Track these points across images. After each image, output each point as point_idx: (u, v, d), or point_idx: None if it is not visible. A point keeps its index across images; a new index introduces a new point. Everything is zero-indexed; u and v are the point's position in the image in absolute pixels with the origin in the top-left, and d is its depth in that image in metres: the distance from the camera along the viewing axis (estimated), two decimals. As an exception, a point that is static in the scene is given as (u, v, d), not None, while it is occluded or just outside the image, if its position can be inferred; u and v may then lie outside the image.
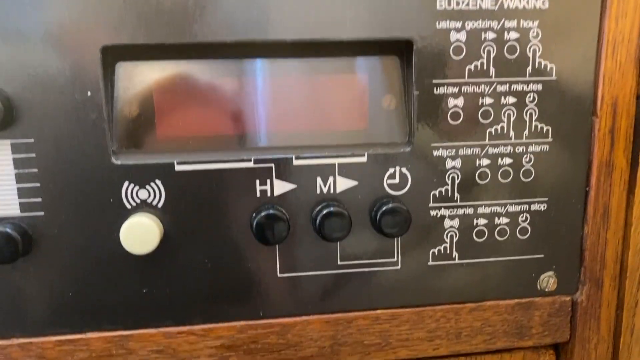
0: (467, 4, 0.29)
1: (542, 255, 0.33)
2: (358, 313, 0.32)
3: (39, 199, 0.28)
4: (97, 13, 0.27)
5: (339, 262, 0.31)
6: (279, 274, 0.31)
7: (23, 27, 0.27)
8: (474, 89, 0.30)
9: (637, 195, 0.33)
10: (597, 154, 0.32)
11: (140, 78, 0.29)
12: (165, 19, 0.27)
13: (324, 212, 0.29)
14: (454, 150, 0.31)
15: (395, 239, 0.31)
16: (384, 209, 0.30)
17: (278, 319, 0.31)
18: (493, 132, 0.31)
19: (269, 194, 0.30)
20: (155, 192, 0.29)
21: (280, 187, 0.30)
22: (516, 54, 0.30)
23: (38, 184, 0.28)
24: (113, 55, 0.28)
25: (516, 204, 0.32)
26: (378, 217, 0.30)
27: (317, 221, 0.30)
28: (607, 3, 0.30)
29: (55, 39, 0.27)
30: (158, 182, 0.29)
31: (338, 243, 0.31)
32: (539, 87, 0.31)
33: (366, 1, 0.28)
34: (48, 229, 0.29)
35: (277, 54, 0.30)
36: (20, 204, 0.28)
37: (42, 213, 0.28)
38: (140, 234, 0.28)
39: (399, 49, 0.31)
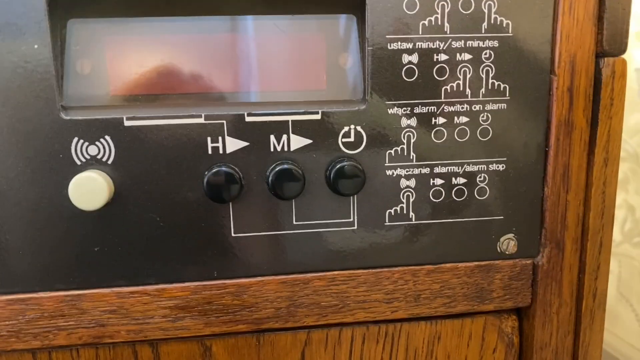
0: (420, -43, 0.29)
1: (501, 217, 0.33)
2: (314, 274, 0.32)
3: (-13, 155, 0.28)
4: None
5: (294, 222, 0.31)
6: (233, 234, 0.31)
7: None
8: (428, 45, 0.30)
9: (597, 156, 0.32)
10: (555, 113, 0.31)
11: (92, 35, 0.29)
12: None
13: (277, 169, 0.29)
14: (409, 109, 0.30)
15: (351, 199, 0.31)
16: (337, 167, 0.30)
17: (233, 279, 0.31)
18: (449, 90, 0.31)
19: (220, 151, 0.30)
20: (105, 148, 0.29)
21: (233, 144, 0.30)
22: (471, 9, 0.30)
23: (-15, 139, 0.28)
24: (63, 10, 0.28)
25: (473, 163, 0.32)
26: (332, 175, 0.30)
27: (271, 179, 0.29)
28: (564, -42, 0.30)
29: (1, -8, 0.27)
30: (107, 138, 0.29)
31: (293, 203, 0.31)
32: (495, 43, 0.30)
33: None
34: (-4, 185, 0.28)
35: (233, 10, 0.30)
36: (-34, 158, 0.28)
37: (-13, 168, 0.28)
38: (88, 189, 0.28)
39: (354, 6, 0.30)
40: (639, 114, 0.60)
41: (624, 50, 0.32)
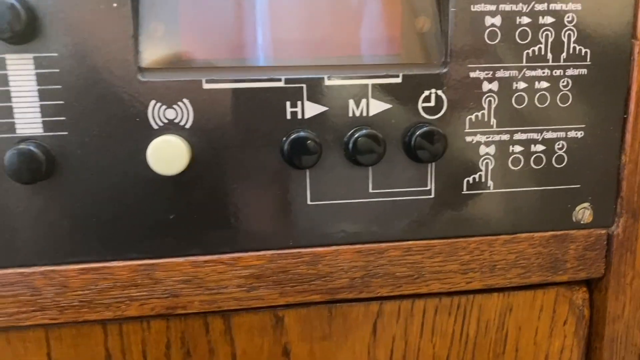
0: None
1: (578, 186, 0.32)
2: (390, 244, 0.31)
3: (63, 118, 0.27)
4: None
5: (370, 190, 0.30)
6: (309, 202, 0.30)
7: None
8: (511, 7, 0.29)
9: (676, 123, 0.32)
10: (636, 79, 0.31)
11: (166, -6, 0.28)
12: None
13: (357, 135, 0.28)
14: (490, 72, 0.30)
15: (429, 167, 0.30)
16: (419, 132, 0.29)
17: (308, 248, 0.30)
18: (530, 54, 0.30)
19: (299, 115, 0.29)
20: (183, 111, 0.28)
21: (312, 109, 0.29)
22: (556, -29, 0.29)
23: (62, 102, 0.27)
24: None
25: (553, 130, 0.31)
26: (413, 141, 0.29)
27: (350, 145, 0.29)
28: None
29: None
30: (186, 101, 0.28)
31: (370, 170, 0.30)
32: (578, 6, 0.30)
33: None
34: (72, 149, 0.27)
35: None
36: (44, 122, 0.27)
37: (65, 133, 0.27)
38: (168, 153, 0.27)
39: (432, -31, 0.30)
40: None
41: None
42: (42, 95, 0.27)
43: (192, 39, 0.29)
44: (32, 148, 0.27)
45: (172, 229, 0.29)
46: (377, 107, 0.29)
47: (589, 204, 0.32)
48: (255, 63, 0.29)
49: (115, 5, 0.27)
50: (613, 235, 0.33)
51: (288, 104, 0.29)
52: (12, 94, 0.27)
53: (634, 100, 0.31)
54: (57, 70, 0.27)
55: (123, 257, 0.29)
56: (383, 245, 0.31)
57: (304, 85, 0.29)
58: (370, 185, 0.30)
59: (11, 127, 0.27)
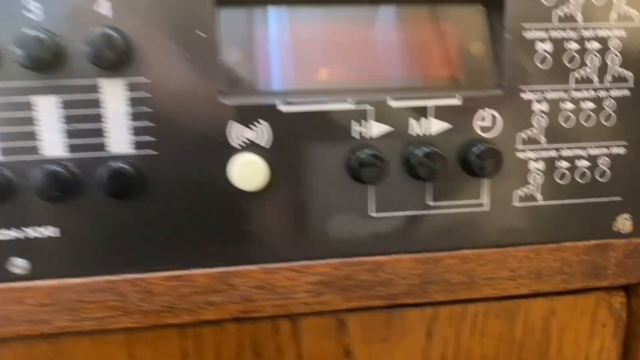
0: (559, -49, 0.30)
1: (619, 198, 0.34)
2: (446, 253, 0.33)
3: (152, 138, 0.30)
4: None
5: (429, 203, 0.33)
6: (372, 213, 0.32)
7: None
8: (561, 34, 0.32)
9: None
10: (674, 99, 0.33)
11: (245, 22, 0.31)
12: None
13: (421, 152, 0.31)
14: (541, 94, 0.32)
15: (483, 181, 0.33)
16: (476, 149, 0.31)
17: (371, 257, 0.33)
18: (578, 77, 0.32)
19: (365, 135, 0.31)
20: (260, 131, 0.30)
21: (377, 128, 0.31)
22: (603, 0, 0.31)
23: (152, 124, 0.29)
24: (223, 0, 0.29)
25: (597, 147, 0.33)
26: (471, 158, 0.31)
27: (413, 161, 0.31)
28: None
29: (170, -18, 0.28)
30: (263, 122, 0.30)
31: (429, 184, 0.32)
32: (622, 33, 0.32)
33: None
34: (160, 167, 0.30)
35: (376, 1, 0.31)
36: (135, 142, 0.30)
37: (154, 151, 0.30)
38: (250, 170, 0.30)
39: (486, -3, 0.32)
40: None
41: None
42: (134, 117, 0.29)
43: (268, 65, 0.31)
44: (123, 166, 0.29)
45: (247, 239, 0.32)
46: (437, 126, 0.32)
47: (629, 214, 0.35)
48: (326, 86, 0.32)
49: (201, 34, 0.29)
50: (651, 244, 0.35)
51: (356, 123, 0.31)
52: (105, 116, 0.29)
53: (672, 119, 0.33)
54: (148, 95, 0.29)
55: (203, 265, 0.32)
56: (440, 254, 0.33)
57: (371, 107, 0.31)
58: (429, 198, 0.33)
59: (102, 146, 0.29)
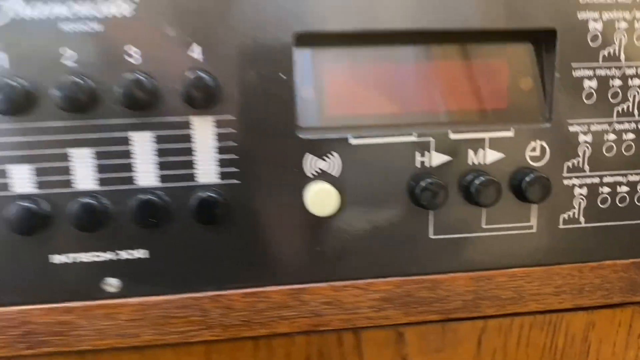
0: (606, -2, 0.33)
1: (655, 220, 0.37)
2: (497, 271, 0.36)
3: (236, 169, 0.32)
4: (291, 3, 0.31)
5: (483, 226, 0.36)
6: (431, 236, 0.35)
7: (230, 18, 0.31)
8: (606, 72, 0.34)
9: None
10: None
11: (318, 62, 0.33)
12: (343, 12, 0.32)
13: (479, 181, 0.34)
14: (586, 127, 0.35)
15: (532, 206, 0.36)
16: (528, 178, 0.34)
17: (429, 275, 0.36)
18: (620, 111, 0.35)
19: (427, 164, 0.34)
20: (331, 162, 0.33)
21: (438, 158, 0.34)
22: (644, 41, 0.34)
23: (236, 156, 0.32)
24: (300, 41, 0.32)
25: (636, 174, 0.36)
26: (522, 185, 0.34)
27: (470, 188, 0.34)
28: None
29: (255, 28, 0.31)
30: (334, 153, 0.33)
31: (484, 209, 0.35)
32: (662, 70, 0.35)
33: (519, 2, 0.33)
34: (242, 195, 0.33)
35: (433, 41, 0.34)
36: (221, 173, 0.32)
37: (238, 181, 0.33)
38: (323, 198, 0.33)
39: (534, 37, 0.35)
40: None
41: None
42: (220, 150, 0.32)
43: (338, 102, 0.34)
44: (211, 195, 0.32)
45: (318, 259, 0.35)
46: (492, 156, 0.35)
47: (664, 235, 0.38)
48: (392, 121, 0.34)
49: (282, 76, 0.32)
50: (683, 262, 0.38)
51: (418, 154, 0.34)
52: (194, 150, 0.32)
53: None
54: (233, 130, 0.32)
55: (277, 282, 0.35)
56: (491, 272, 0.36)
57: (432, 139, 0.34)
58: (483, 222, 0.36)
59: (192, 177, 0.32)
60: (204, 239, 0.33)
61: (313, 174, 0.33)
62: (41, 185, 0.31)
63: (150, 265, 0.33)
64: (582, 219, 0.36)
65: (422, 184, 0.33)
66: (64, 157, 0.31)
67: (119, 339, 0.34)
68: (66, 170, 0.31)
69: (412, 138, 0.34)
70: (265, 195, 0.33)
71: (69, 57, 0.30)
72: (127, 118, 0.31)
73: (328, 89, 0.34)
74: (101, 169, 0.31)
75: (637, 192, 0.37)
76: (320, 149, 0.33)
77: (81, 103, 0.30)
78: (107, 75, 0.30)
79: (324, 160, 0.33)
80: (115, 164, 0.32)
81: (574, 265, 0.37)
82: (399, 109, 0.35)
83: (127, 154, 0.31)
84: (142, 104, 0.30)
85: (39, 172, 0.31)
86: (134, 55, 0.30)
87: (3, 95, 0.29)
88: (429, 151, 0.34)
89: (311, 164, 0.33)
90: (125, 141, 0.31)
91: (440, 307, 0.36)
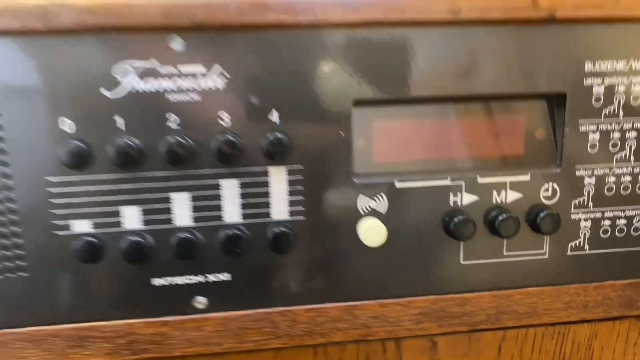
0: (607, 67, 0.40)
1: (648, 247, 0.44)
2: (515, 290, 0.43)
3: (303, 208, 0.40)
4: (349, 71, 0.38)
5: (504, 253, 0.43)
6: (462, 262, 0.42)
7: (302, 89, 0.38)
8: (606, 127, 0.41)
9: None
10: (692, 173, 0.43)
11: (368, 119, 0.41)
12: (393, 82, 0.39)
13: (502, 217, 0.41)
14: (590, 171, 0.42)
15: (545, 237, 0.43)
16: (542, 214, 0.41)
17: (459, 294, 0.43)
18: (618, 158, 0.42)
19: (458, 203, 0.41)
20: (380, 201, 0.40)
21: (468, 198, 0.41)
22: (638, 101, 0.41)
23: (303, 198, 0.40)
24: (357, 104, 0.39)
25: (632, 209, 0.43)
26: (538, 220, 0.41)
27: (495, 224, 0.41)
28: None
29: (321, 96, 0.38)
30: (383, 194, 0.40)
31: (505, 239, 0.42)
32: (654, 124, 0.42)
33: (533, 68, 0.40)
34: (307, 229, 0.40)
35: (464, 102, 0.41)
36: (290, 211, 0.40)
37: (304, 218, 0.40)
38: (374, 231, 0.40)
39: (548, 98, 0.42)
40: None
41: None
42: (290, 193, 0.39)
43: (386, 152, 0.41)
44: (283, 229, 0.39)
45: (368, 281, 0.42)
46: (512, 196, 0.42)
47: (655, 260, 0.45)
48: (430, 167, 0.42)
49: (341, 133, 0.39)
50: (672, 282, 0.45)
51: (451, 195, 0.41)
52: (270, 193, 0.39)
53: (690, 188, 0.43)
54: (301, 177, 0.39)
55: (334, 300, 0.42)
56: (510, 291, 0.43)
57: (463, 182, 0.41)
58: (504, 250, 0.43)
59: (268, 215, 0.40)
60: (275, 264, 0.40)
61: (365, 211, 0.40)
62: (147, 222, 0.39)
63: (232, 286, 0.41)
64: (586, 246, 0.44)
65: (455, 220, 0.41)
66: (167, 200, 0.38)
67: (205, 347, 0.41)
68: (168, 211, 0.39)
69: (447, 182, 0.41)
70: (325, 229, 0.40)
71: (173, 121, 0.37)
72: (218, 168, 0.38)
73: (377, 141, 0.41)
74: (196, 209, 0.39)
75: (633, 224, 0.44)
76: (371, 190, 0.40)
77: (182, 157, 0.37)
78: (203, 135, 0.37)
79: (374, 200, 0.40)
80: (207, 205, 0.39)
81: (579, 285, 0.44)
82: (435, 157, 0.42)
83: (217, 197, 0.39)
84: (231, 158, 0.38)
85: (145, 212, 0.38)
86: (225, 119, 0.38)
87: (120, 152, 0.37)
88: (460, 192, 0.41)
89: (363, 203, 0.40)
90: (217, 187, 0.39)
91: (468, 320, 0.43)
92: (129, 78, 0.36)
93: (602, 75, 0.40)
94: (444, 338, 0.44)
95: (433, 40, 0.38)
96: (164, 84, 0.37)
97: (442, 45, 0.39)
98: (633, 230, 0.44)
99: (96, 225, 0.38)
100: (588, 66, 0.40)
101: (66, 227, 0.38)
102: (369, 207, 0.40)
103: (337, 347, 0.43)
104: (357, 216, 0.40)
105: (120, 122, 0.37)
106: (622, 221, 0.44)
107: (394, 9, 0.36)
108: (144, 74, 0.36)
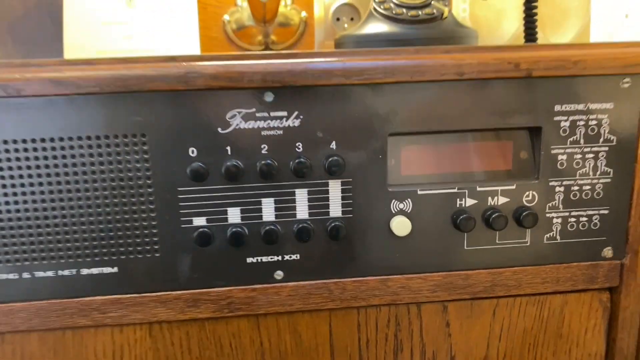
0: (570, 108, 0.56)
1: (604, 238, 0.60)
2: (505, 268, 0.59)
3: (351, 209, 0.56)
4: (386, 113, 0.54)
5: (497, 242, 0.59)
6: (465, 248, 0.58)
7: (353, 127, 0.54)
8: (571, 151, 0.57)
9: (658, 205, 0.59)
10: (637, 185, 0.58)
11: (398, 145, 0.57)
12: (412, 120, 0.55)
13: (494, 215, 0.57)
14: (560, 182, 0.58)
15: (527, 230, 0.58)
16: (524, 213, 0.57)
17: (463, 271, 0.59)
18: (581, 172, 0.58)
19: (463, 205, 0.57)
20: (407, 204, 0.57)
21: (470, 201, 0.57)
22: (594, 132, 0.57)
23: (351, 201, 0.56)
24: (391, 135, 0.55)
25: (592, 210, 0.59)
26: (521, 218, 0.57)
27: (490, 220, 0.57)
28: (644, 103, 0.57)
29: (366, 129, 0.54)
30: (409, 199, 0.56)
31: (497, 232, 0.58)
32: (606, 149, 0.57)
33: (518, 109, 0.55)
34: (355, 223, 0.56)
35: (468, 131, 0.57)
36: (342, 211, 0.56)
37: (351, 215, 0.56)
38: (402, 225, 0.56)
39: (530, 129, 0.57)
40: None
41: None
42: (343, 198, 0.56)
43: (410, 167, 0.57)
44: (337, 223, 0.56)
45: (397, 261, 0.58)
46: (502, 200, 0.58)
47: (610, 247, 0.60)
48: (442, 179, 0.58)
49: (380, 156, 0.55)
50: (624, 264, 0.61)
51: (458, 199, 0.57)
52: (330, 197, 0.56)
53: (636, 195, 0.59)
54: (350, 187, 0.55)
55: (372, 274, 0.58)
56: (502, 269, 0.59)
57: (466, 190, 0.57)
58: (497, 239, 0.58)
59: (327, 213, 0.56)
60: (331, 249, 0.57)
61: (395, 211, 0.57)
62: (244, 218, 0.55)
63: (301, 264, 0.57)
64: (558, 237, 0.59)
65: (461, 217, 0.57)
66: (258, 203, 0.55)
67: (280, 307, 0.58)
68: (259, 210, 0.55)
69: (454, 190, 0.57)
70: (367, 224, 0.57)
71: (264, 149, 0.54)
72: (294, 181, 0.55)
73: (404, 161, 0.57)
74: (277, 209, 0.55)
75: (592, 221, 0.59)
76: (400, 196, 0.56)
77: (270, 174, 0.54)
78: (285, 159, 0.54)
79: (402, 203, 0.57)
80: (285, 206, 0.55)
81: (553, 266, 0.60)
82: (446, 172, 0.58)
83: (293, 201, 0.55)
84: (303, 174, 0.54)
85: (243, 211, 0.55)
86: (299, 148, 0.54)
87: (228, 170, 0.53)
88: (464, 197, 0.57)
89: (395, 205, 0.57)
90: (293, 194, 0.55)
91: (470, 291, 0.59)
92: (236, 120, 0.53)
93: (567, 114, 0.56)
94: (452, 304, 0.60)
95: (445, 92, 0.54)
96: (259, 123, 0.53)
97: (451, 95, 0.55)
98: (592, 225, 0.59)
99: (209, 220, 0.55)
100: (557, 107, 0.56)
101: (189, 222, 0.55)
102: (399, 208, 0.57)
103: (374, 308, 0.60)
104: (389, 214, 0.57)
105: (228, 150, 0.53)
106: (584, 219, 0.59)
107: (418, 72, 0.52)
108: (246, 117, 0.53)
